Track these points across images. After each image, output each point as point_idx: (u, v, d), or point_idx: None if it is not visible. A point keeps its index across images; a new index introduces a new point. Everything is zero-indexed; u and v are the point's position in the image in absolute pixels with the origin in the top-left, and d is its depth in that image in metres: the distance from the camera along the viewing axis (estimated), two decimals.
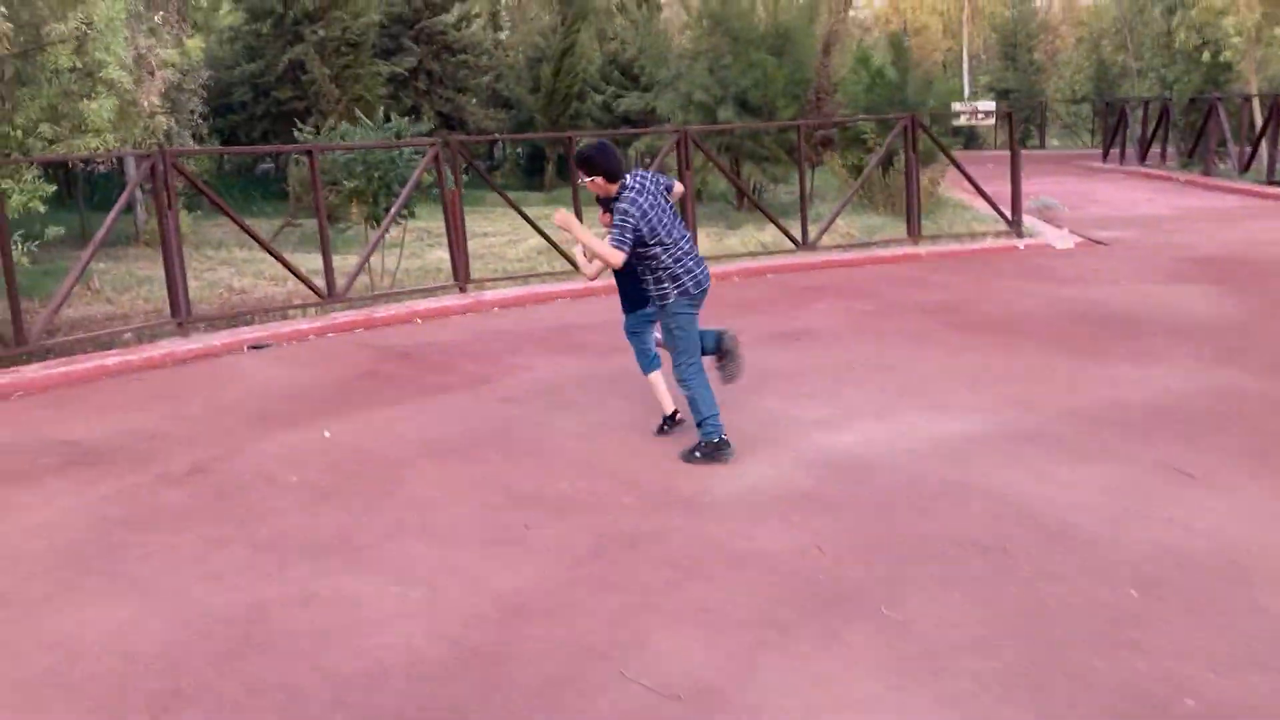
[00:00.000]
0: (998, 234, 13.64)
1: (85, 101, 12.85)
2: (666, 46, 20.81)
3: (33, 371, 8.29)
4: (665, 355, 6.04)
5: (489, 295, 11.05)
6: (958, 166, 13.85)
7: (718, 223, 16.38)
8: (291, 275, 10.86)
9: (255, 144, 23.44)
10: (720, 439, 5.59)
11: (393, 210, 11.01)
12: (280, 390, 7.68)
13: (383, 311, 10.37)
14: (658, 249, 5.46)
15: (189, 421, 6.95)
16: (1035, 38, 36.99)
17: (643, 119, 23.12)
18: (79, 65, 12.84)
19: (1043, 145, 34.82)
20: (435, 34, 26.06)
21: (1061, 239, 13.33)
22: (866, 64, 17.75)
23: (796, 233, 13.02)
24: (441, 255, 13.06)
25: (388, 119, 12.31)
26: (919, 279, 11.18)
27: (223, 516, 5.16)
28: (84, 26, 12.68)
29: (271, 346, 9.25)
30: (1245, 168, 20.48)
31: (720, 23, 17.94)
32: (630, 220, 5.35)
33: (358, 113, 16.55)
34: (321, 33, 22.03)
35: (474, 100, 26.08)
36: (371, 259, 11.43)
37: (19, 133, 13.25)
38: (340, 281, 10.68)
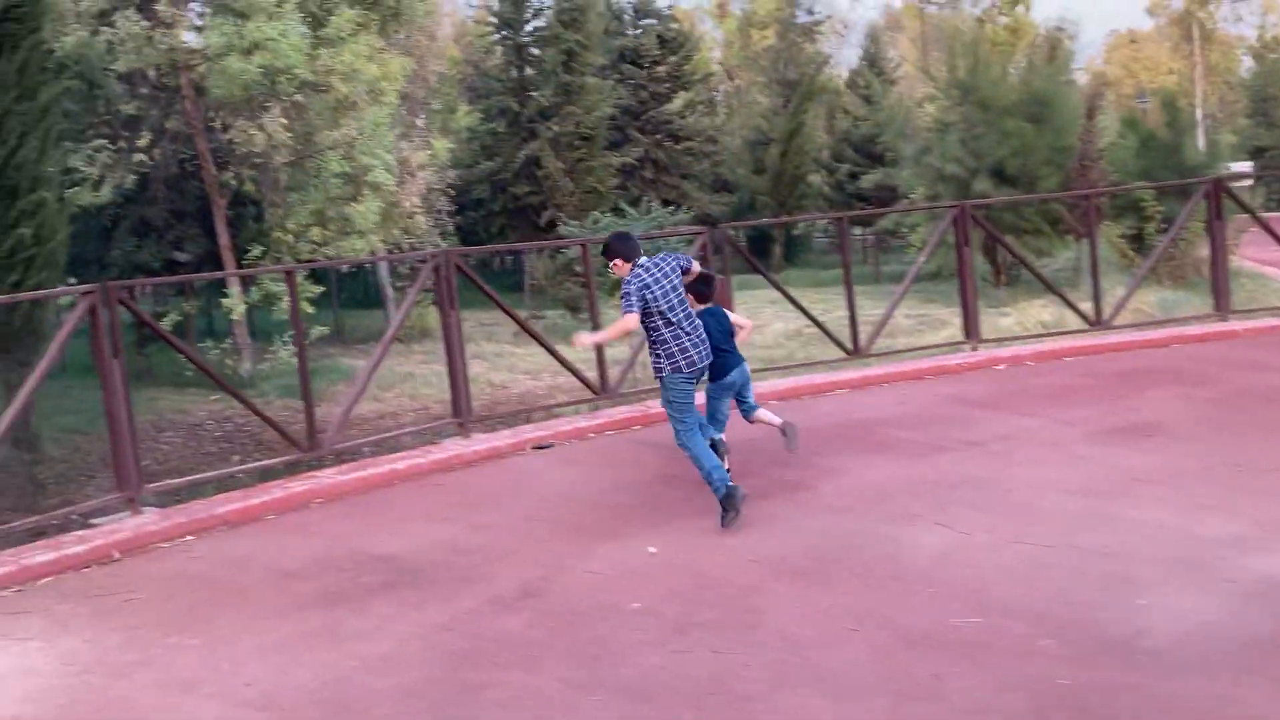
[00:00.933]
0: None
1: (352, 205, 13.11)
2: (907, 120, 20.14)
3: (328, 477, 8.16)
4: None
5: (762, 388, 10.45)
6: (1274, 234, 12.45)
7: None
8: (558, 369, 10.58)
9: (494, 239, 24.03)
10: (727, 488, 6.04)
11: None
12: (581, 496, 7.23)
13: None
14: (659, 321, 6.10)
15: (498, 532, 6.56)
16: None
17: (879, 196, 22.47)
18: (348, 170, 13.15)
19: None
20: (660, 123, 26.23)
21: None
22: (1135, 127, 16.53)
23: (1081, 308, 11.90)
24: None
25: (637, 207, 12.12)
26: (1251, 360, 9.89)
27: (574, 652, 4.63)
28: (354, 134, 12.98)
29: (554, 446, 8.90)
30: None
31: (969, 92, 17.17)
32: (631, 287, 6.02)
33: (622, 204, 16.48)
34: (555, 128, 22.49)
35: (696, 185, 26.05)
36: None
37: (290, 237, 13.67)
38: (612, 373, 10.30)
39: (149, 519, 7.41)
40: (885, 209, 16.75)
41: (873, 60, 24.37)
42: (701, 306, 6.74)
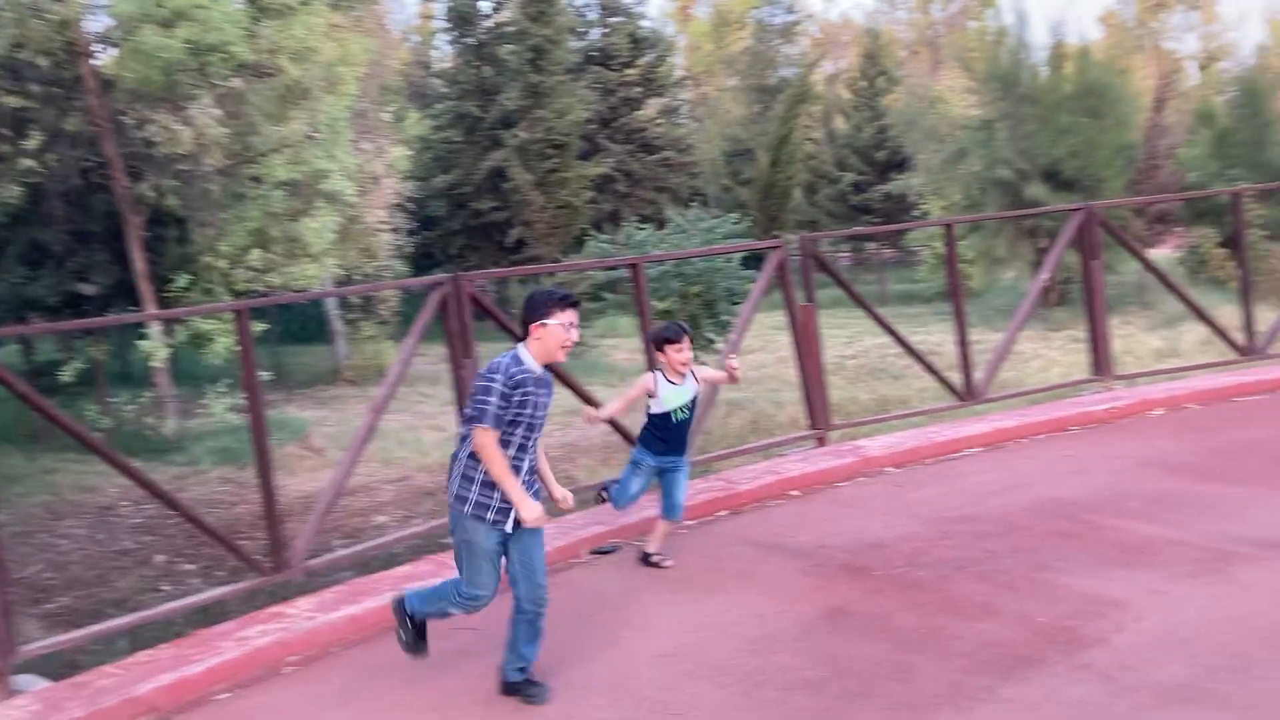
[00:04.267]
0: None
1: (303, 220, 10.35)
2: (925, 121, 17.85)
3: (304, 616, 5.40)
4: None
5: (866, 447, 7.89)
6: None
7: (1031, 324, 13.04)
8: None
9: (452, 261, 21.25)
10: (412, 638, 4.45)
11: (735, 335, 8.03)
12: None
13: (745, 484, 7.28)
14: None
15: None
16: None
17: (888, 209, 20.15)
18: (297, 177, 10.37)
19: None
20: (633, 131, 23.71)
21: None
22: (1212, 119, 14.40)
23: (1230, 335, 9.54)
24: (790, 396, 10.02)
25: (696, 215, 9.48)
26: None
27: None
28: (305, 131, 10.17)
29: (619, 548, 6.25)
30: None
31: (1012, 86, 14.92)
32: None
33: (669, 211, 13.87)
34: (523, 135, 19.78)
35: (670, 199, 23.59)
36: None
37: (224, 262, 10.86)
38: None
39: (20, 715, 4.61)
40: (1001, 214, 14.16)
41: (873, 58, 21.97)
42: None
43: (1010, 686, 3.99)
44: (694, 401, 5.60)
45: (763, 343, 13.01)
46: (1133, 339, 10.95)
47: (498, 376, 4.08)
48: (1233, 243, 12.18)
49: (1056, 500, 6.27)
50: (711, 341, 7.98)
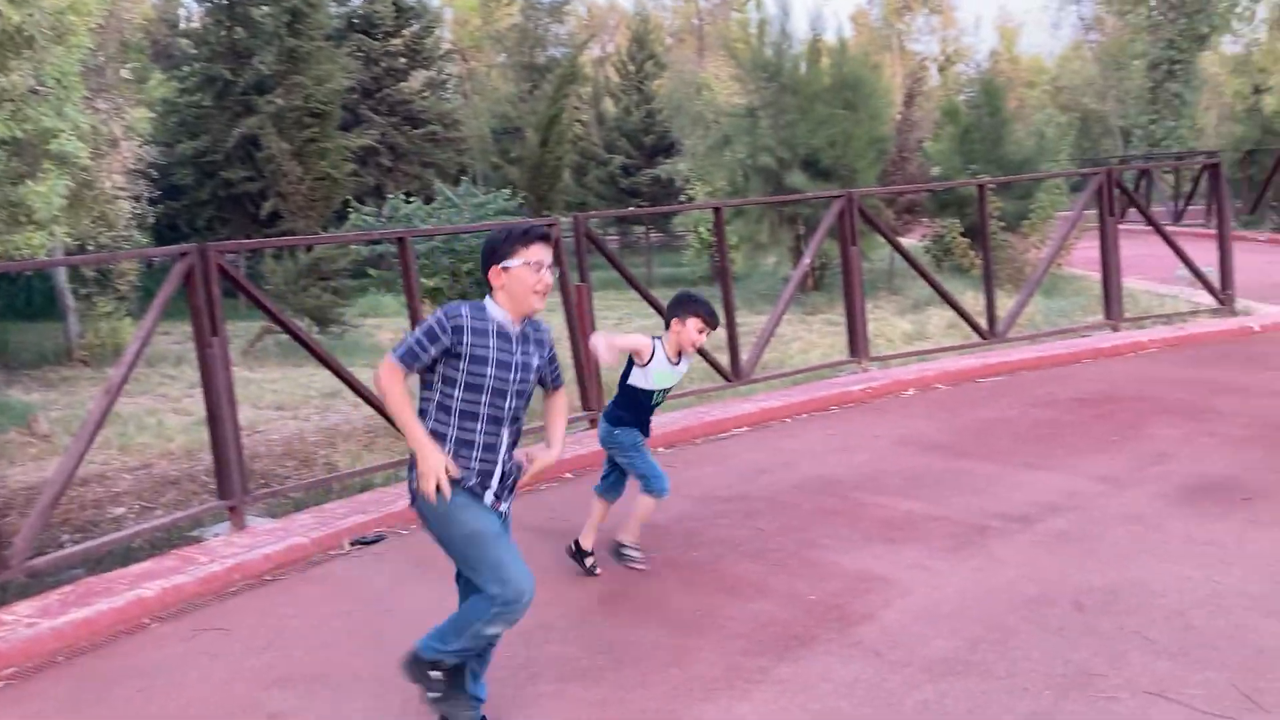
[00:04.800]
0: (1212, 313, 11.02)
1: (27, 184, 9.47)
2: (690, 107, 18.12)
3: (15, 637, 4.82)
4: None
5: None
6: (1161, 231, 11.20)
7: (790, 307, 13.47)
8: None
9: (201, 234, 19.86)
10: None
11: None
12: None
13: None
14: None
15: None
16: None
17: (655, 193, 20.36)
18: (19, 135, 9.47)
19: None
20: (398, 103, 22.93)
21: None
22: (956, 116, 15.27)
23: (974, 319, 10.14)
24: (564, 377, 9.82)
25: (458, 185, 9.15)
26: (1216, 382, 8.35)
27: None
28: (30, 83, 9.34)
29: (385, 539, 5.93)
30: None
31: (776, 76, 15.33)
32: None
33: (438, 184, 13.30)
34: (279, 102, 18.72)
35: (436, 174, 23.02)
36: None
37: None
38: None
39: None
40: (768, 199, 14.26)
41: (641, 42, 22.09)
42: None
43: (785, 666, 3.99)
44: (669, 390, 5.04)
45: None
46: (885, 322, 11.44)
47: (437, 313, 3.44)
48: (975, 232, 12.93)
49: (822, 478, 6.42)
50: None
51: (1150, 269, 12.67)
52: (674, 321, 4.85)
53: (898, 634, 4.19)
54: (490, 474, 3.45)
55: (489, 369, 3.39)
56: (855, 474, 6.48)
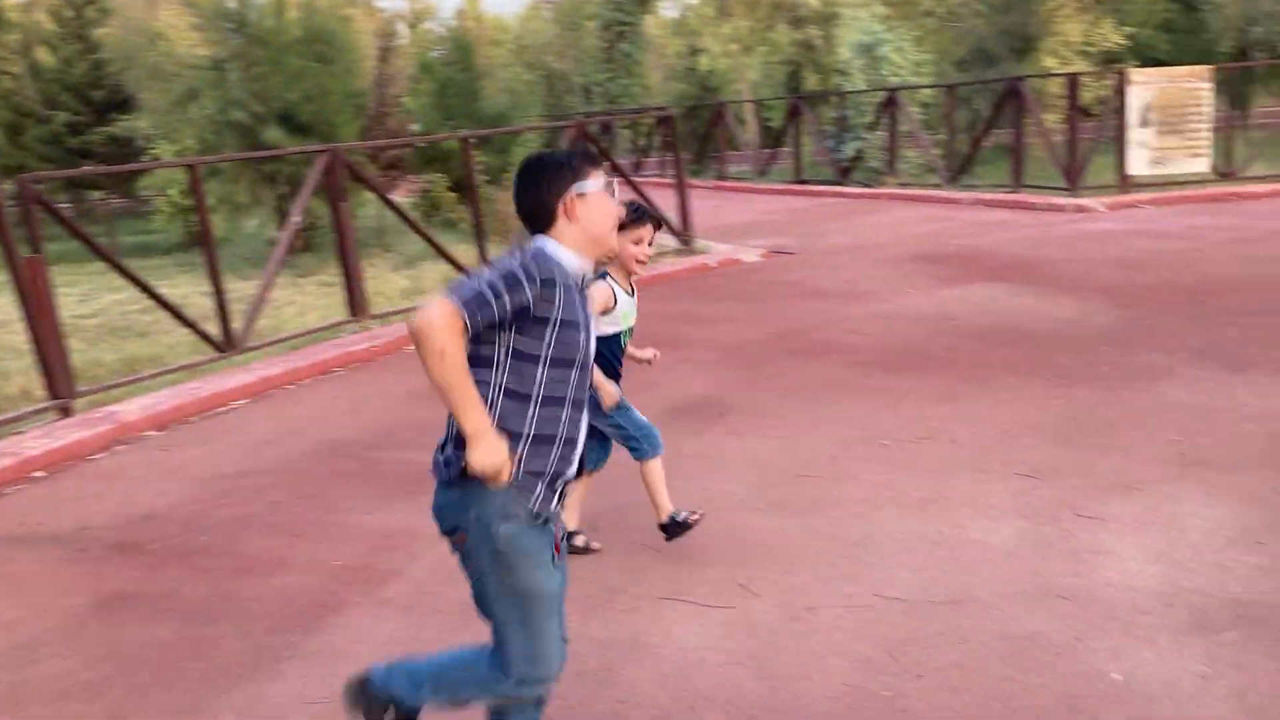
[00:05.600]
0: (676, 253, 12.11)
1: None
2: (153, 57, 16.58)
3: None
4: None
5: (121, 411, 7.08)
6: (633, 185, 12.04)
7: (280, 271, 13.07)
8: None
9: None
10: None
11: None
12: None
13: None
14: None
15: None
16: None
17: (112, 153, 18.25)
18: None
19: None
20: None
21: (744, 252, 12.12)
22: (432, 72, 15.29)
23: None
24: (19, 364, 8.50)
25: None
26: (678, 313, 9.21)
27: None
28: None
29: None
30: (764, 170, 21.30)
31: (242, 27, 14.43)
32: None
33: None
34: None
35: None
36: None
37: None
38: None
39: None
40: (246, 154, 13.03)
41: None
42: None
43: (316, 637, 3.83)
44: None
45: None
46: (382, 279, 11.31)
47: (516, 255, 2.47)
48: (462, 187, 13.13)
49: (334, 441, 6.23)
50: None
51: None
52: None
53: (428, 585, 4.18)
54: (563, 475, 2.57)
55: (580, 336, 2.52)
56: (368, 433, 6.36)
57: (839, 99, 19.27)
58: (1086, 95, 16.70)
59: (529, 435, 2.48)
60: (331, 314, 9.67)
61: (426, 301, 2.35)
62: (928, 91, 18.20)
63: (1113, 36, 19.29)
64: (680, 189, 12.33)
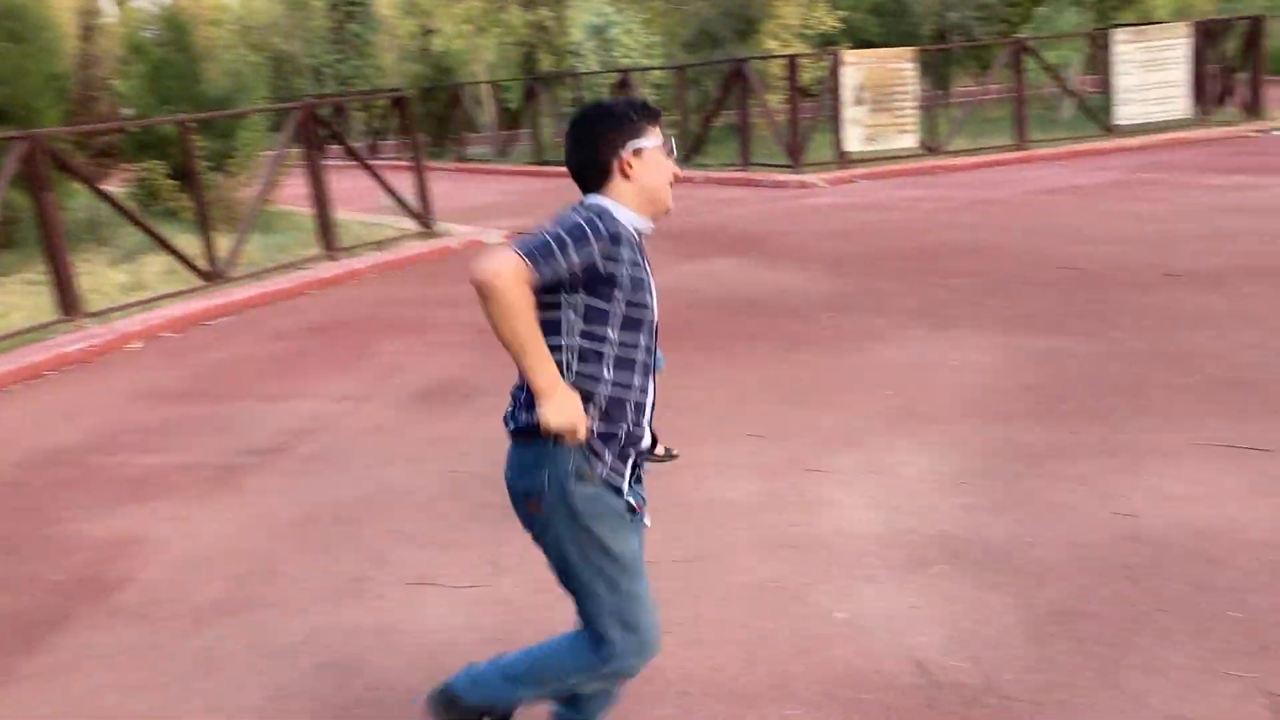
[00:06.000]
0: (417, 236, 11.90)
1: None
2: None
3: None
4: None
5: None
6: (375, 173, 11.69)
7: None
8: None
9: None
10: None
11: None
12: None
13: None
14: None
15: None
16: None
17: None
18: None
19: None
20: None
21: (486, 234, 12.06)
22: (144, 53, 14.30)
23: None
24: None
25: None
26: (421, 298, 9.10)
27: None
28: None
29: None
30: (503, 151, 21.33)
31: None
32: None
33: None
34: None
35: None
36: None
37: None
38: None
39: None
40: None
41: None
42: None
43: (38, 658, 3.58)
44: None
45: None
46: (97, 275, 10.52)
47: (579, 210, 2.32)
48: (182, 174, 12.41)
49: (49, 450, 5.80)
50: None
51: (357, 200, 13.29)
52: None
53: (162, 590, 3.98)
54: (637, 445, 2.45)
55: (649, 298, 2.42)
56: (88, 438, 5.96)
57: (574, 80, 19.47)
58: (805, 76, 17.62)
59: (602, 401, 2.38)
60: (40, 314, 8.94)
61: (487, 254, 2.23)
62: (659, 73, 18.66)
63: (828, 20, 20.39)
64: (418, 172, 12.16)
